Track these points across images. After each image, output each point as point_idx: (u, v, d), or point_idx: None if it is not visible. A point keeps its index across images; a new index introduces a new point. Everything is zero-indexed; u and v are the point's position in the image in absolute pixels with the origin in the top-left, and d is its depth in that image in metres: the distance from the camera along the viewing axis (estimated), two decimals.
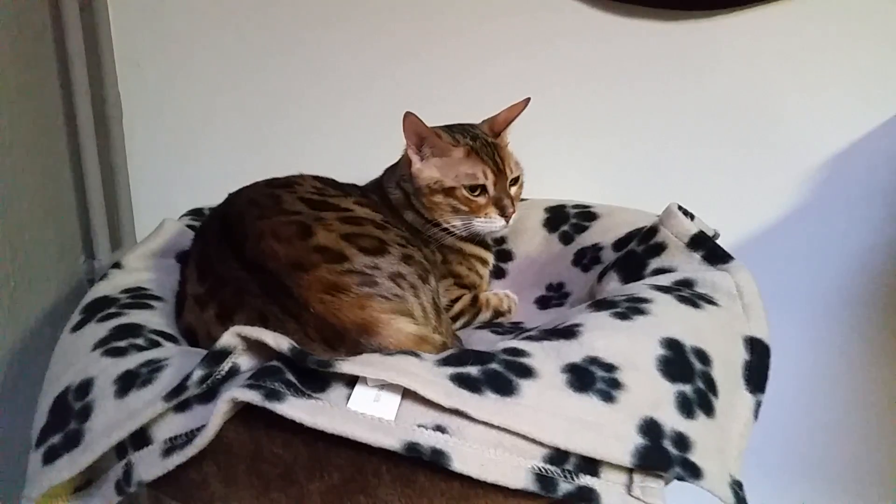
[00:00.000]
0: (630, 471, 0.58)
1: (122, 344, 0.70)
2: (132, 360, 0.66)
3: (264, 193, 0.80)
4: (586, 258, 0.97)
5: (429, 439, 0.54)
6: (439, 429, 0.55)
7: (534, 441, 0.56)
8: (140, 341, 0.71)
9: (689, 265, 0.79)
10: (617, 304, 0.69)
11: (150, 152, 1.21)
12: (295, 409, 0.54)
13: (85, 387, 0.65)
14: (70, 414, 0.65)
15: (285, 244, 0.70)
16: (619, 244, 0.94)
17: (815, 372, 1.18)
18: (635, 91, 1.14)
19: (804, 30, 1.05)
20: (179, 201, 1.15)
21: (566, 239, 1.02)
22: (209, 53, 1.18)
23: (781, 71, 1.08)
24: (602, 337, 0.64)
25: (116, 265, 0.87)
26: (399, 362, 0.58)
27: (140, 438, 0.59)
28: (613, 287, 0.81)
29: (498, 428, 0.56)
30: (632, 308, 0.68)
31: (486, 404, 0.56)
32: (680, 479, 0.59)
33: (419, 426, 0.55)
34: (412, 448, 0.54)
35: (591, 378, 0.59)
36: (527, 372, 0.59)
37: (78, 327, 0.76)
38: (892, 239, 1.09)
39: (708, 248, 0.78)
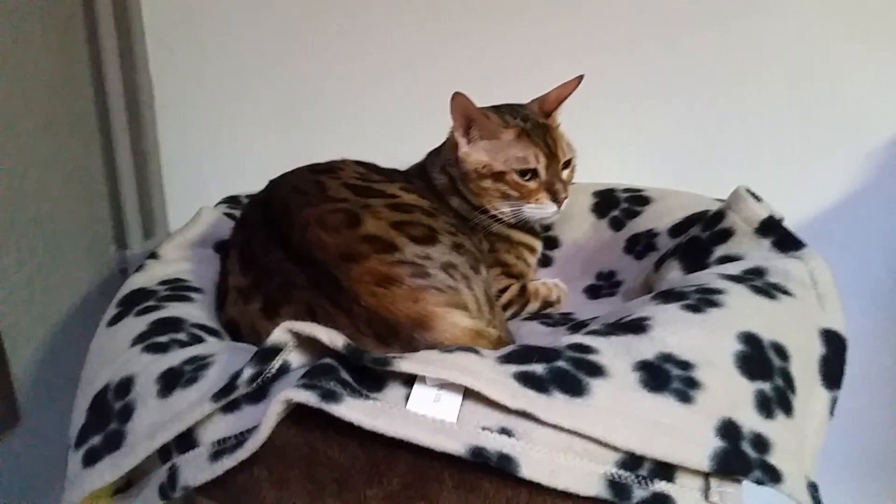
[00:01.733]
0: (706, 475, 0.54)
1: (162, 339, 0.67)
2: (174, 357, 0.63)
3: (308, 180, 0.76)
4: (640, 245, 0.92)
5: (495, 443, 0.51)
6: (505, 432, 0.52)
7: (607, 445, 0.52)
8: (182, 336, 0.68)
9: (758, 252, 0.74)
10: (686, 296, 0.65)
11: (183, 138, 1.18)
12: (353, 410, 0.50)
13: (125, 385, 0.62)
14: (110, 413, 0.62)
15: (333, 233, 0.67)
16: (676, 230, 0.89)
17: (882, 365, 1.12)
18: (685, 67, 1.08)
19: None
20: (213, 188, 1.12)
21: (617, 225, 0.97)
22: (242, 35, 1.14)
23: (845, 40, 1.01)
24: (675, 332, 0.59)
25: (153, 255, 0.84)
26: (460, 360, 0.54)
27: (185, 441, 0.56)
28: (675, 276, 0.77)
29: (568, 431, 0.52)
30: (704, 300, 0.63)
31: (555, 405, 0.52)
32: (759, 482, 0.55)
33: (483, 429, 0.52)
34: (478, 453, 0.50)
35: (666, 377, 0.55)
36: (596, 370, 0.55)
37: (115, 321, 0.74)
38: None
39: (779, 235, 0.73)
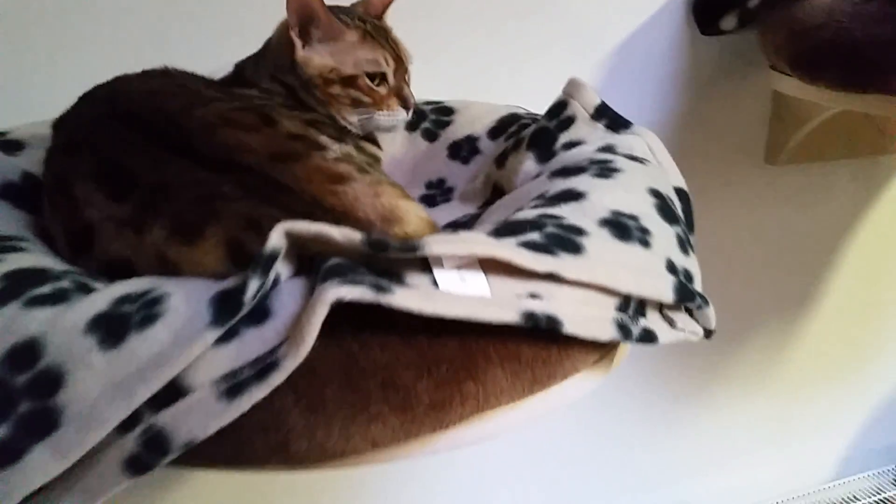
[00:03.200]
0: (660, 307, 0.62)
1: (45, 290, 0.50)
2: (93, 304, 0.48)
3: (161, 84, 0.63)
4: (464, 151, 0.96)
5: (538, 307, 0.51)
6: (534, 296, 0.52)
7: (610, 292, 0.56)
8: (66, 284, 0.52)
9: (595, 134, 0.83)
10: (585, 169, 0.71)
11: None
12: (410, 299, 0.46)
13: (27, 351, 0.46)
14: (10, 393, 0.45)
15: (254, 133, 0.56)
16: (494, 132, 0.95)
17: None
18: None
19: None
20: None
21: (430, 136, 0.99)
22: None
23: None
24: (606, 194, 0.65)
25: None
26: (474, 238, 0.52)
27: (167, 391, 0.44)
28: (530, 166, 0.82)
29: (583, 285, 0.54)
30: (604, 169, 0.70)
31: (570, 264, 0.54)
32: (699, 308, 0.64)
33: (517, 296, 0.51)
34: (530, 317, 0.50)
35: (626, 228, 0.61)
36: (578, 231, 0.58)
37: None
38: (667, 118, 1.29)
39: (610, 117, 0.83)
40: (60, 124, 0.65)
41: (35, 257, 0.56)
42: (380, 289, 0.45)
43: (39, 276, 0.52)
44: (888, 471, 1.74)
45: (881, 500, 1.64)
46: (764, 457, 1.66)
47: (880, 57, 0.83)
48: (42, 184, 0.69)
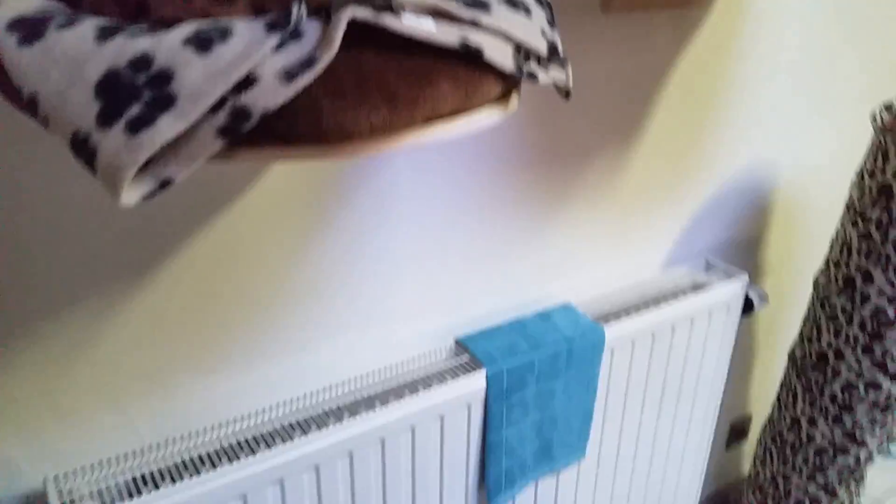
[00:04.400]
0: (538, 60, 0.93)
1: (136, 29, 0.72)
2: (179, 32, 0.71)
3: None
4: None
5: (467, 40, 0.79)
6: (464, 36, 0.80)
7: (508, 39, 0.85)
8: (145, 27, 0.74)
9: None
10: None
11: None
12: (393, 22, 0.73)
13: (142, 61, 0.69)
14: (135, 86, 0.68)
15: None
16: None
17: None
18: None
19: None
20: None
21: None
22: None
23: None
24: None
25: None
26: None
27: (243, 82, 0.69)
28: None
29: (493, 32, 0.83)
30: None
31: (484, 17, 0.82)
32: (561, 65, 0.96)
33: (454, 33, 0.79)
34: (465, 45, 0.78)
35: (515, 4, 0.90)
36: (485, 4, 0.86)
37: (30, 40, 0.73)
38: None
39: None
40: None
41: (107, 19, 0.77)
42: (376, 15, 0.72)
43: (122, 25, 0.74)
44: (699, 263, 2.24)
45: (695, 283, 2.13)
46: (606, 256, 2.09)
47: None
48: None
